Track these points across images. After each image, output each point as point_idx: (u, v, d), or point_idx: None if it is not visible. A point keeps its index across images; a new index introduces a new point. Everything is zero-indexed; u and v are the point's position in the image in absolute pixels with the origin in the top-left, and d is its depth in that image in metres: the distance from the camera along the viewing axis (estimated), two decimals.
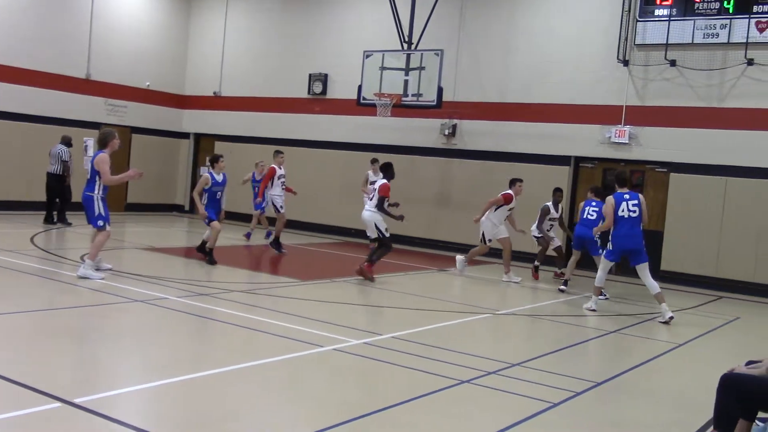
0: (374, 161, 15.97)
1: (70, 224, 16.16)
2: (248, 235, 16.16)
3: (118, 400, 5.44)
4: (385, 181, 12.04)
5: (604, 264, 10.64)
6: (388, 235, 11.96)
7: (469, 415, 5.76)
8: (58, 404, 5.09)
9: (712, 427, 4.97)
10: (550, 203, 13.75)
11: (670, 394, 7.02)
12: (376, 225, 11.85)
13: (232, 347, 7.41)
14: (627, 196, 10.29)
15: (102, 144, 10.19)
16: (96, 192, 10.08)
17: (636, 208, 10.19)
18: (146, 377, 6.05)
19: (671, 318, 10.03)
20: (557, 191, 13.91)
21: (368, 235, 12.53)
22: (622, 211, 10.21)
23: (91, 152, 19.60)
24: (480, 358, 7.46)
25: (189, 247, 14.65)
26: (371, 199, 12.11)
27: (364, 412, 5.48)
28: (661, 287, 10.41)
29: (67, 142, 16.58)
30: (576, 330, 9.63)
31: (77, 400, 5.17)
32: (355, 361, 7.08)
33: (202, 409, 5.44)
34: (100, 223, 10.10)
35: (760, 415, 5.37)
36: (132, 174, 10.72)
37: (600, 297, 11.05)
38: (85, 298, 9.07)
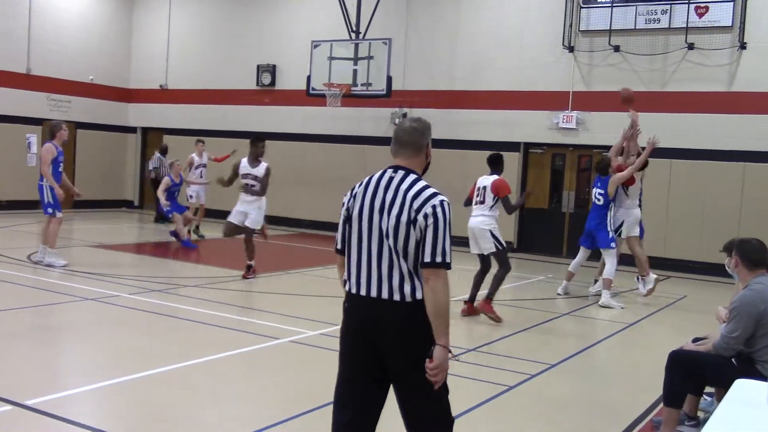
0: (199, 142, 15.50)
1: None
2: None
3: (71, 401, 5.36)
4: (496, 177, 9.30)
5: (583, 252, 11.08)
6: (505, 245, 9.27)
7: None
8: (9, 407, 5.00)
9: (662, 404, 5.11)
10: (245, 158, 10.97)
11: (622, 373, 7.19)
12: (491, 233, 8.89)
13: (186, 343, 7.34)
14: (599, 184, 10.77)
15: (51, 135, 10.84)
16: (45, 181, 10.72)
17: (601, 197, 10.58)
18: (100, 376, 5.96)
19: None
20: (256, 140, 10.95)
21: (474, 252, 9.21)
22: (593, 196, 10.84)
23: (34, 149, 19.15)
24: None
25: (139, 243, 14.43)
26: (478, 205, 9.12)
27: (322, 403, 5.48)
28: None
29: (163, 150, 18.60)
30: (529, 313, 9.77)
31: (29, 402, 5.07)
32: (312, 353, 7.08)
33: (157, 406, 5.39)
34: (50, 210, 10.77)
35: (707, 390, 5.55)
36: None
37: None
38: (36, 297, 8.88)
